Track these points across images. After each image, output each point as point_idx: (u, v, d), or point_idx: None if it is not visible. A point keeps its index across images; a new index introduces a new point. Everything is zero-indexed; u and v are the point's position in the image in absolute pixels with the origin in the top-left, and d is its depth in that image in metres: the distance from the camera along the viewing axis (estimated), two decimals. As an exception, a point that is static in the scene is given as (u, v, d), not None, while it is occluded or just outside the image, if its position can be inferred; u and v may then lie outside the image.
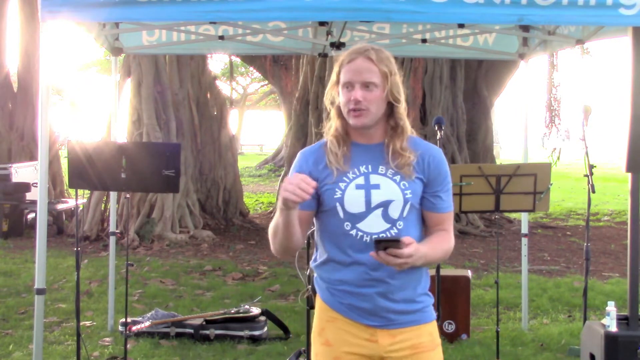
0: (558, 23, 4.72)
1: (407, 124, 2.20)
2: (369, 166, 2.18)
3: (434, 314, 2.27)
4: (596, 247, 9.18)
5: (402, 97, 2.19)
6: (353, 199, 2.16)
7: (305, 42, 5.98)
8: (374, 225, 2.15)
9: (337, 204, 2.17)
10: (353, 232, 2.16)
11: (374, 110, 2.14)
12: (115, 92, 5.79)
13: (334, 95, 2.22)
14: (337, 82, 2.19)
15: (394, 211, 2.15)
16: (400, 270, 2.05)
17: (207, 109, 11.28)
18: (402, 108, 2.19)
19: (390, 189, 2.15)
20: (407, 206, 2.15)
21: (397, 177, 2.15)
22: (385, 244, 1.97)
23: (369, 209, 2.15)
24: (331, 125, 2.24)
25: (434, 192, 2.18)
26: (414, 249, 1.99)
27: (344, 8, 3.64)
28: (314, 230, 2.32)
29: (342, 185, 2.18)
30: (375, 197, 2.15)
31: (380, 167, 2.17)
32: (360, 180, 2.17)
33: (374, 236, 2.12)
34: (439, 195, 2.19)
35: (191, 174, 10.61)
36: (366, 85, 2.12)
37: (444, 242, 2.20)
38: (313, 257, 2.33)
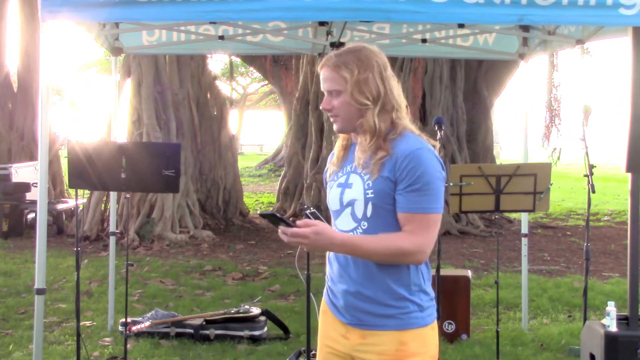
0: (558, 23, 4.72)
1: (370, 123, 2.11)
2: (354, 165, 2.20)
3: (421, 322, 2.13)
4: (596, 247, 9.17)
5: (379, 96, 2.11)
6: (332, 197, 2.23)
7: (305, 42, 5.97)
8: (344, 223, 2.18)
9: (327, 201, 2.27)
10: (334, 228, 2.21)
11: (344, 115, 2.15)
12: (115, 92, 5.79)
13: None
14: None
15: (358, 210, 2.14)
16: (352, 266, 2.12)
17: (207, 109, 11.28)
18: (371, 110, 2.10)
19: (356, 188, 2.14)
20: (369, 206, 2.11)
21: (367, 177, 2.13)
22: (270, 218, 2.01)
23: (342, 207, 2.18)
24: None
25: (399, 190, 2.08)
26: (310, 231, 1.99)
27: (344, 8, 3.65)
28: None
29: (331, 183, 2.26)
30: (346, 196, 2.17)
31: (360, 166, 2.17)
32: (343, 179, 2.21)
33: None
34: (401, 194, 2.07)
35: (191, 174, 10.61)
36: (331, 93, 2.16)
37: (393, 240, 2.07)
38: None
